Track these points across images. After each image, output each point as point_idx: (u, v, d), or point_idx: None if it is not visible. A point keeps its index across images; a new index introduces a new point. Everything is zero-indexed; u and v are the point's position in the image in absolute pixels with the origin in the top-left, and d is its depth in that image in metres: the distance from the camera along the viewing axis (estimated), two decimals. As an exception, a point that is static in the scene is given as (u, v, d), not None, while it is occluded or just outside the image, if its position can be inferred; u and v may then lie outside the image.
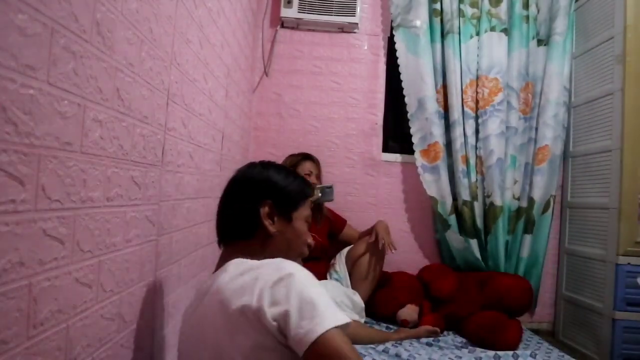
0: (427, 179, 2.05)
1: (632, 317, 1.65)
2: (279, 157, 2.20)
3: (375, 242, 1.78)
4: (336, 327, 0.65)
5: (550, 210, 2.05)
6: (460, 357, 1.50)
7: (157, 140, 0.93)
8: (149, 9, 0.84)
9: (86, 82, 0.66)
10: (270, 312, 0.65)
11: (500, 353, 1.50)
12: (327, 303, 0.67)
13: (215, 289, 0.72)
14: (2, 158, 0.49)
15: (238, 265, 0.75)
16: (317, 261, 1.79)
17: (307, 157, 1.91)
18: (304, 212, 0.88)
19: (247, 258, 0.79)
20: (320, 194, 1.70)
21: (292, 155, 1.93)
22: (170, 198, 1.04)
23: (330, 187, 1.74)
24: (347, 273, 1.79)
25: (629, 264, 1.65)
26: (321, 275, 1.80)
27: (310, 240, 0.90)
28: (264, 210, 0.82)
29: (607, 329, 1.69)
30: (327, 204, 1.96)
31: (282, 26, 2.22)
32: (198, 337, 0.74)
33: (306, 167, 1.86)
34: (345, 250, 1.88)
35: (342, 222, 1.99)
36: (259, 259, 0.79)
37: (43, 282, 0.57)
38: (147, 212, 0.91)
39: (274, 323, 0.65)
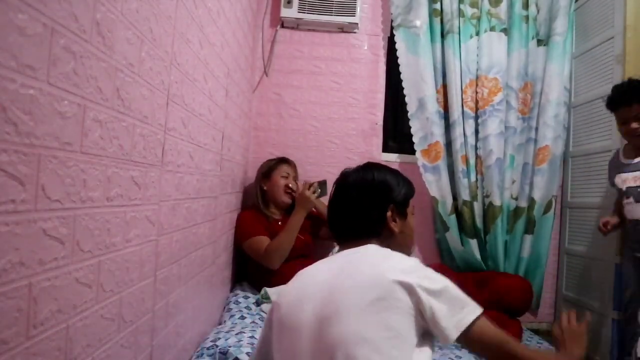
0: (428, 178, 2.05)
1: None
2: (279, 157, 2.20)
3: None
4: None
5: (552, 211, 2.06)
6: (460, 357, 1.50)
7: (157, 140, 0.93)
8: (149, 9, 0.84)
9: (86, 82, 0.66)
10: (425, 297, 0.73)
11: None
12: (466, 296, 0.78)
13: (368, 260, 0.81)
14: (2, 158, 0.49)
15: (375, 252, 0.85)
16: (305, 258, 1.79)
17: (283, 160, 1.95)
18: (411, 207, 0.99)
19: None
20: (319, 190, 1.73)
21: (269, 160, 1.96)
22: (170, 198, 1.04)
23: (325, 182, 1.77)
24: None
25: None
26: None
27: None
28: (389, 214, 0.91)
29: (607, 329, 1.69)
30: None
31: (282, 26, 2.22)
32: (339, 302, 0.76)
33: (283, 170, 1.89)
34: (336, 249, 1.87)
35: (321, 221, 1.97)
36: None
37: (43, 282, 0.57)
38: (147, 212, 0.91)
39: (425, 310, 0.73)
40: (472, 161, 2.04)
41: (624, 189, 1.41)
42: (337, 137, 2.23)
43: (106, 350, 0.76)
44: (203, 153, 1.29)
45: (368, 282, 0.76)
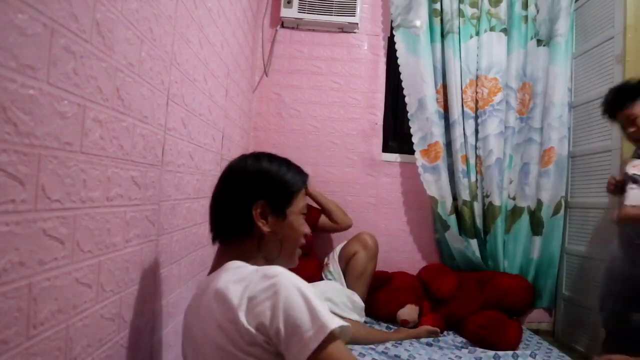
0: (427, 179, 2.05)
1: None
2: (279, 157, 2.21)
3: (366, 240, 1.78)
4: (333, 335, 0.65)
5: (561, 212, 2.05)
6: (460, 357, 1.50)
7: (157, 140, 0.93)
8: (149, 9, 0.84)
9: (86, 82, 0.66)
10: (254, 324, 0.65)
11: (500, 353, 1.51)
12: (319, 310, 0.66)
13: (211, 292, 0.72)
14: (2, 158, 0.49)
15: (233, 271, 0.74)
16: (306, 257, 1.78)
17: None
18: (299, 204, 0.85)
19: (243, 259, 0.79)
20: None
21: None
22: (170, 198, 1.04)
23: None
24: (341, 273, 1.77)
25: None
26: (314, 273, 1.78)
27: (307, 230, 0.88)
28: (256, 211, 0.80)
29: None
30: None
31: (282, 26, 2.22)
32: (199, 337, 0.74)
33: None
34: (338, 248, 1.85)
35: (316, 211, 1.96)
36: (255, 260, 0.80)
37: (43, 282, 0.57)
38: (147, 212, 0.91)
39: (262, 336, 0.66)
40: (472, 161, 2.04)
41: (630, 172, 1.33)
42: (337, 137, 2.23)
43: (106, 350, 0.76)
44: (203, 153, 1.29)
45: (207, 339, 0.70)
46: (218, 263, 0.81)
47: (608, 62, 1.81)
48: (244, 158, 0.87)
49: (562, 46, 2.03)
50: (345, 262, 1.76)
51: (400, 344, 1.58)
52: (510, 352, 1.51)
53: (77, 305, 0.67)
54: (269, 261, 0.82)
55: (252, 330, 0.65)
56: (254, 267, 0.73)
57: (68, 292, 0.64)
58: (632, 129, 1.35)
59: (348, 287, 1.72)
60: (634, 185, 1.29)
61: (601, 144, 1.84)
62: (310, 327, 0.64)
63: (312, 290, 0.70)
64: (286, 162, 0.87)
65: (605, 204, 1.77)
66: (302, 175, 0.88)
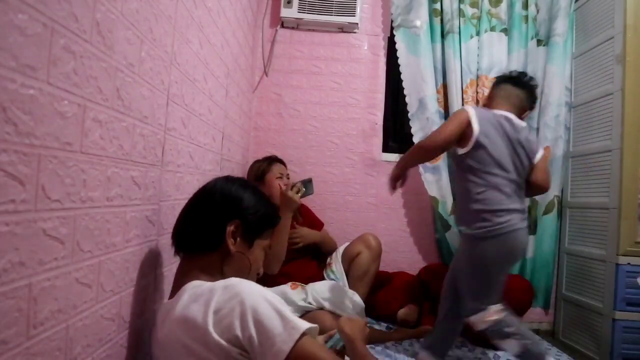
0: (428, 179, 2.06)
1: (632, 317, 1.63)
2: (278, 157, 2.20)
3: (370, 240, 1.77)
4: (305, 335, 0.67)
5: (554, 211, 2.05)
6: (461, 358, 1.50)
7: (157, 140, 0.93)
8: (149, 9, 0.84)
9: (86, 82, 0.66)
10: (225, 336, 0.66)
11: (499, 353, 1.50)
12: (287, 314, 0.68)
13: (172, 319, 0.72)
14: (2, 158, 0.49)
15: (190, 291, 0.75)
16: (306, 259, 1.77)
17: (274, 159, 1.84)
18: (264, 241, 0.89)
19: (204, 276, 0.80)
20: (304, 189, 1.64)
21: (258, 161, 1.85)
22: (170, 198, 1.04)
23: (310, 180, 1.68)
24: (344, 273, 1.75)
25: (629, 264, 1.64)
26: (314, 273, 1.78)
27: (261, 271, 0.92)
28: (230, 228, 0.82)
29: (607, 329, 1.68)
30: (310, 204, 1.95)
31: (282, 26, 2.21)
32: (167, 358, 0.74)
33: (276, 170, 1.79)
34: (341, 249, 1.83)
35: (320, 225, 1.94)
36: (215, 277, 0.80)
37: (43, 282, 0.57)
38: (147, 212, 0.91)
39: (235, 349, 0.67)
40: None
41: None
42: (337, 137, 2.23)
43: (106, 350, 0.76)
44: (203, 153, 1.29)
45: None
46: (179, 282, 0.82)
47: (608, 62, 1.81)
48: (230, 181, 0.90)
49: (560, 46, 2.03)
50: (349, 262, 1.75)
51: (400, 344, 1.58)
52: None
53: (77, 305, 0.67)
54: None
55: (224, 343, 0.66)
56: (211, 283, 0.74)
57: (68, 292, 0.64)
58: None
59: (350, 287, 1.71)
60: None
61: (601, 144, 1.83)
62: (283, 331, 0.66)
63: (275, 296, 0.72)
64: (266, 199, 0.91)
65: (605, 203, 1.78)
66: (276, 217, 0.92)
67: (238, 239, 0.84)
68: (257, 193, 0.89)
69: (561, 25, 2.02)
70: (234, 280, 0.72)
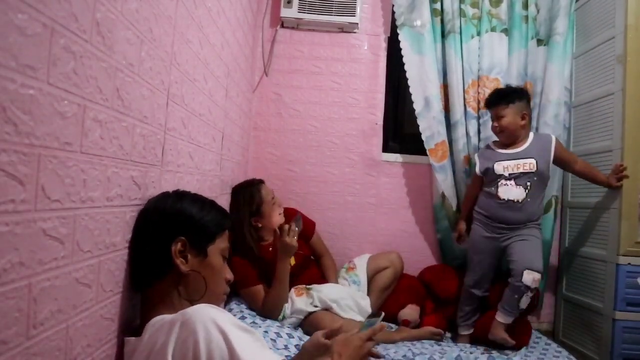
0: (438, 177, 2.04)
1: (632, 317, 1.63)
2: (279, 157, 2.20)
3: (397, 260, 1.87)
4: None
5: (552, 211, 2.05)
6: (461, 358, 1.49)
7: (157, 140, 0.93)
8: (149, 9, 0.85)
9: (86, 82, 0.66)
10: None
11: (494, 354, 1.49)
12: (237, 345, 0.64)
13: (139, 357, 0.71)
14: (2, 158, 0.49)
15: (152, 330, 0.71)
16: (307, 269, 1.76)
17: (258, 185, 1.70)
18: (220, 245, 0.83)
19: (163, 309, 0.77)
20: (296, 228, 1.54)
21: (242, 187, 1.70)
22: (170, 198, 1.04)
23: (299, 217, 1.61)
24: (366, 280, 1.80)
25: (629, 264, 1.64)
26: (315, 280, 1.75)
27: (229, 276, 0.86)
28: (176, 247, 0.77)
29: (607, 329, 1.68)
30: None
31: (282, 26, 2.21)
32: None
33: (269, 197, 1.69)
34: (366, 256, 1.89)
35: (312, 225, 1.88)
36: (175, 306, 0.77)
37: (43, 282, 0.57)
38: (147, 212, 0.91)
39: None
40: (475, 161, 2.00)
41: (506, 174, 1.63)
42: (337, 137, 2.22)
43: (106, 350, 0.76)
44: (203, 153, 1.29)
45: None
46: (142, 318, 0.79)
47: (609, 62, 1.80)
48: (165, 197, 0.86)
49: (561, 45, 2.02)
50: (373, 272, 1.82)
51: (402, 344, 1.58)
52: (513, 352, 1.51)
53: (77, 305, 0.67)
54: (193, 303, 0.76)
55: None
56: (171, 317, 0.69)
57: (68, 292, 0.64)
58: (495, 124, 1.69)
59: (369, 294, 1.76)
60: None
61: (602, 144, 1.83)
62: None
63: (232, 320, 0.68)
64: (210, 204, 0.86)
65: (606, 203, 1.78)
66: (225, 218, 0.86)
67: (188, 255, 0.78)
68: (197, 200, 0.84)
69: (561, 25, 2.01)
70: (191, 314, 0.66)
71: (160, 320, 0.72)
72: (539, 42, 2.08)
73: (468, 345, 1.65)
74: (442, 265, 2.12)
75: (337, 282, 1.78)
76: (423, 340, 1.63)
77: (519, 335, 1.61)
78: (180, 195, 0.87)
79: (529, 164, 1.60)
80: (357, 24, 2.16)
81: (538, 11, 2.09)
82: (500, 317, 1.57)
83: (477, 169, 1.77)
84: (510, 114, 1.64)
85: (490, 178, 1.69)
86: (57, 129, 0.60)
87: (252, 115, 2.21)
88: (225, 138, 1.58)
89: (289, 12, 2.10)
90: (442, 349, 1.54)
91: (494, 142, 1.77)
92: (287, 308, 1.55)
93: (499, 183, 1.63)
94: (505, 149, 1.69)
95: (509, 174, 1.63)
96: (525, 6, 2.07)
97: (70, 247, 0.65)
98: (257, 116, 2.22)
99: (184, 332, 0.65)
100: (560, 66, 2.02)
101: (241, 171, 1.97)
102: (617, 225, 1.67)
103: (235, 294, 1.60)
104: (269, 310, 1.53)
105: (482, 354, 1.50)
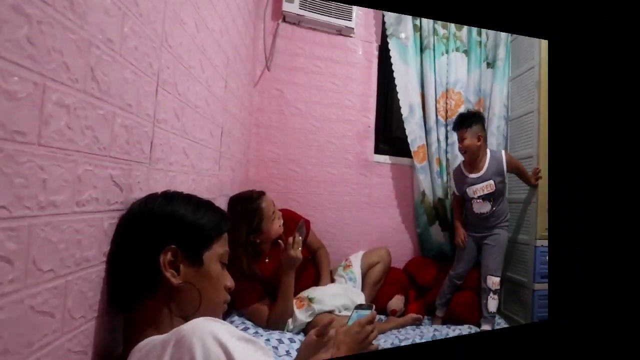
0: (419, 177, 2.12)
1: (544, 287, 1.89)
2: (280, 155, 2.04)
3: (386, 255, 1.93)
4: None
5: None
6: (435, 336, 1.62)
7: (143, 133, 0.75)
8: (134, -25, 0.67)
9: (47, 55, 0.48)
10: None
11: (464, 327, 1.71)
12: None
13: None
14: None
15: (138, 354, 0.56)
16: (305, 271, 1.64)
17: (257, 200, 1.46)
18: (218, 250, 0.68)
19: (151, 331, 0.60)
20: (300, 238, 1.40)
21: (240, 200, 1.46)
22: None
23: (302, 224, 1.46)
24: (361, 276, 1.80)
25: (542, 245, 1.93)
26: (312, 278, 1.68)
27: (230, 283, 0.70)
28: (165, 258, 0.61)
29: (529, 297, 1.94)
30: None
31: (284, 20, 2.05)
32: None
33: (270, 212, 1.47)
34: (361, 253, 1.89)
35: (308, 225, 1.72)
36: (165, 326, 0.60)
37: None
38: (131, 218, 0.73)
39: None
40: (444, 163, 2.15)
41: (476, 196, 1.84)
42: (335, 138, 2.11)
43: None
44: (199, 149, 1.11)
45: None
46: (126, 344, 0.62)
47: (531, 86, 2.04)
48: (152, 198, 0.68)
49: (501, 69, 2.20)
50: (367, 268, 1.85)
51: (390, 332, 1.62)
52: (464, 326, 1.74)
53: (33, 342, 0.49)
54: (187, 319, 0.59)
55: None
56: (162, 338, 0.54)
57: (18, 326, 0.46)
58: (460, 145, 1.85)
59: (363, 288, 1.78)
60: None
61: (527, 151, 2.06)
62: None
63: (233, 331, 0.54)
64: (206, 204, 0.70)
65: (528, 199, 1.99)
66: (223, 219, 0.70)
67: (180, 266, 0.63)
68: (190, 201, 0.68)
69: (502, 52, 2.19)
70: (186, 330, 0.52)
71: (150, 342, 0.55)
72: (488, 64, 2.24)
73: (440, 324, 1.85)
74: (421, 257, 2.17)
75: (329, 277, 1.72)
76: (407, 327, 1.71)
77: (474, 312, 1.85)
78: (170, 196, 0.68)
79: (489, 186, 1.82)
80: (353, 28, 2.10)
81: (487, 38, 2.26)
82: (485, 327, 1.77)
83: (455, 190, 1.94)
84: (469, 137, 1.80)
85: (466, 198, 1.91)
86: (3, 113, 0.43)
87: (253, 110, 2.02)
88: (225, 134, 1.40)
89: (291, 7, 1.97)
90: (421, 332, 1.67)
91: (463, 162, 1.91)
92: (290, 323, 1.41)
93: (473, 201, 1.87)
94: (471, 172, 1.86)
95: (478, 196, 1.86)
96: (479, 33, 2.24)
97: (23, 267, 0.47)
98: (259, 112, 2.04)
99: (178, 352, 0.50)
100: (501, 86, 2.21)
101: (242, 170, 1.79)
102: (535, 216, 1.94)
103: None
104: (273, 325, 1.38)
105: (450, 328, 1.72)
